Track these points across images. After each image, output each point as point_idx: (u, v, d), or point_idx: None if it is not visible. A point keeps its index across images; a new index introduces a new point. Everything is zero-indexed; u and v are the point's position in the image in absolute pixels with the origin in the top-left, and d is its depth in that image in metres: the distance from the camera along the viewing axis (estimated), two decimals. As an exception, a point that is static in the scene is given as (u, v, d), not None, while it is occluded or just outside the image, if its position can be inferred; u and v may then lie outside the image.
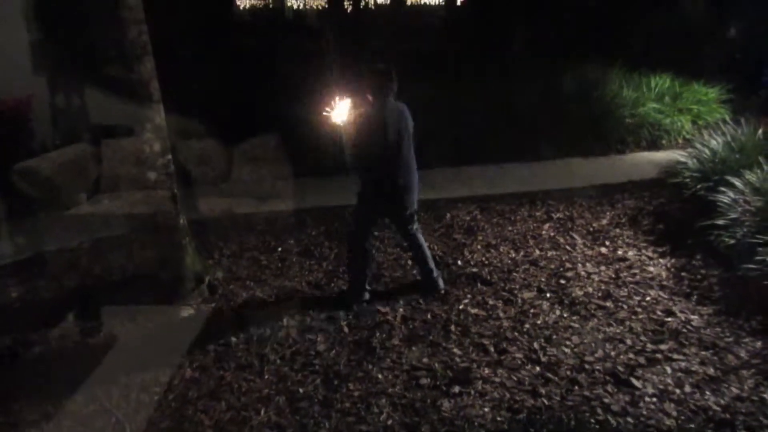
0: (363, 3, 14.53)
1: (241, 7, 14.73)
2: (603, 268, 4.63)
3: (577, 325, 3.82)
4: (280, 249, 5.20)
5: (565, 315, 3.96)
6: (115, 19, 3.79)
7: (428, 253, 4.35)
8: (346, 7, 13.63)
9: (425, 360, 3.51)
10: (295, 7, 16.29)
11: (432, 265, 4.35)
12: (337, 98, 4.02)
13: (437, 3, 17.04)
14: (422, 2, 17.37)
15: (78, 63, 6.07)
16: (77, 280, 4.72)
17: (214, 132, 6.71)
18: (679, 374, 3.29)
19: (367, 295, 4.27)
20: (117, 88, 3.96)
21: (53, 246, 5.21)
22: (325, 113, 4.06)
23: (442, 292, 4.31)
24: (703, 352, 3.48)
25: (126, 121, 4.06)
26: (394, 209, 4.15)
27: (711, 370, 3.31)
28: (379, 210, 4.23)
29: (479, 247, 5.10)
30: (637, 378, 3.25)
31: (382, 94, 3.92)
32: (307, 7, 16.47)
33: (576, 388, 3.22)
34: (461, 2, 14.74)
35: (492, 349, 3.60)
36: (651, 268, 4.59)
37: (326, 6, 15.12)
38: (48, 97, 6.98)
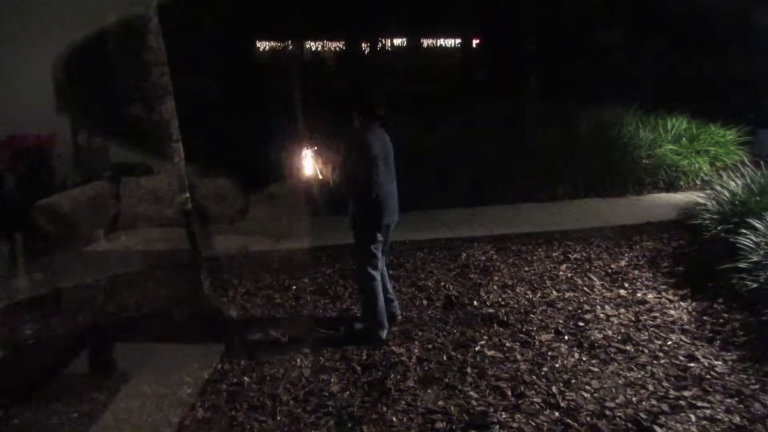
0: (380, 45, 14.79)
1: (261, 49, 15.03)
2: (622, 310, 4.55)
3: (596, 369, 3.73)
4: (294, 287, 5.18)
5: (584, 358, 3.87)
6: (138, 62, 3.88)
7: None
8: (363, 48, 13.88)
9: (441, 403, 3.43)
10: (313, 49, 16.60)
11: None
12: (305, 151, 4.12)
13: (453, 45, 17.30)
14: (438, 44, 17.65)
15: (100, 103, 6.20)
16: (92, 316, 4.72)
17: (231, 171, 6.79)
18: (704, 422, 3.17)
19: (384, 334, 4.20)
20: (138, 128, 4.04)
21: (70, 282, 5.23)
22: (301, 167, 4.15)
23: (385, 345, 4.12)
24: (728, 400, 3.37)
25: (145, 159, 4.13)
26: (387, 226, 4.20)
27: (737, 419, 3.20)
28: (383, 230, 4.15)
29: (495, 287, 5.04)
30: (661, 426, 3.15)
31: (369, 119, 4.07)
32: (326, 49, 16.78)
33: (596, 435, 3.12)
34: (476, 45, 14.97)
35: (509, 392, 3.51)
36: (672, 312, 4.50)
37: (344, 48, 15.41)
38: (70, 135, 7.13)
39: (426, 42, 17.29)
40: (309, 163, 4.15)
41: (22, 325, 4.59)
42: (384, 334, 4.20)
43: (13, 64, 6.56)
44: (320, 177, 4.19)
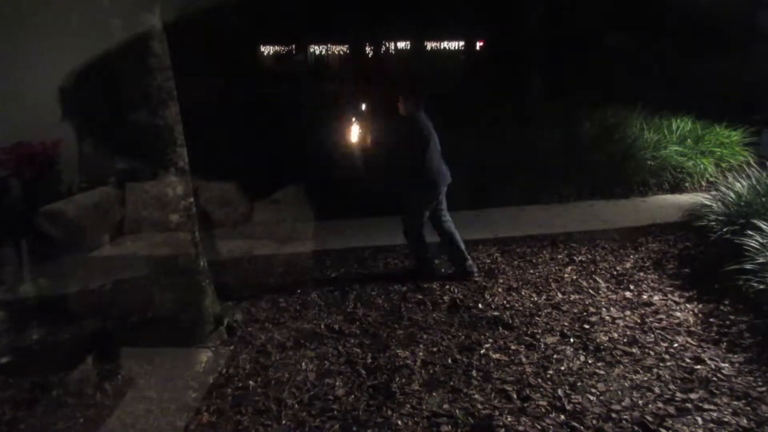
0: (383, 48, 14.81)
1: (265, 54, 15.08)
2: (628, 312, 4.53)
3: (602, 372, 3.71)
4: (299, 291, 5.18)
5: (589, 361, 3.85)
6: (142, 66, 3.88)
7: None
8: (367, 52, 13.90)
9: (446, 406, 3.42)
10: (317, 53, 16.64)
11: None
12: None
13: (456, 48, 17.30)
14: (442, 47, 17.65)
15: (104, 108, 6.23)
16: (98, 321, 4.73)
17: (235, 175, 6.80)
18: (711, 425, 3.16)
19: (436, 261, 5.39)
20: (142, 133, 4.04)
21: (75, 287, 5.25)
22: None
23: (476, 278, 5.20)
24: (735, 402, 3.35)
25: (150, 164, 4.11)
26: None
27: (744, 422, 3.18)
28: (437, 195, 5.13)
29: (500, 290, 5.03)
30: (667, 428, 3.13)
31: (417, 104, 5.05)
32: (329, 52, 16.81)
33: (603, 438, 3.11)
34: (480, 47, 14.97)
35: (515, 395, 3.50)
36: (678, 314, 4.48)
37: (347, 52, 15.44)
38: (75, 141, 7.16)
39: (429, 44, 17.29)
40: (356, 132, 5.30)
41: (28, 330, 4.61)
42: (432, 270, 5.34)
43: (18, 71, 6.59)
44: (363, 143, 5.35)
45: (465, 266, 5.24)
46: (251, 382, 3.77)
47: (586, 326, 4.32)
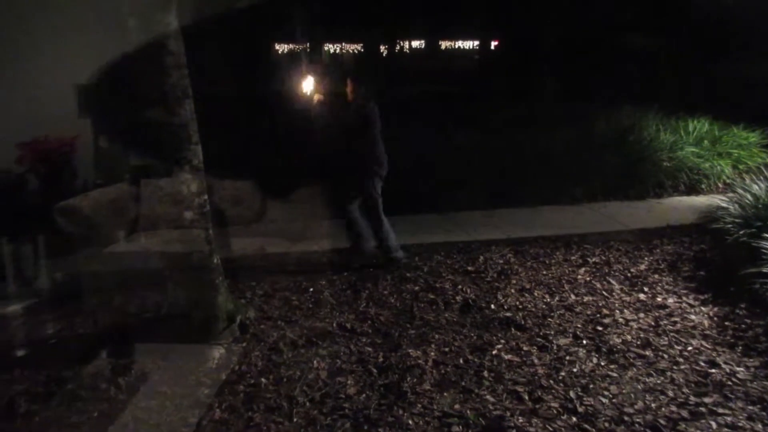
0: (398, 46, 14.81)
1: (279, 52, 15.11)
2: (642, 315, 4.50)
3: (615, 375, 3.69)
4: (311, 289, 5.19)
5: (602, 363, 3.83)
6: (158, 64, 3.91)
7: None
8: (381, 50, 13.90)
9: (457, 406, 3.42)
10: (331, 51, 16.64)
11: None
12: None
13: (471, 47, 17.24)
14: (456, 46, 17.59)
15: (120, 105, 6.27)
16: (112, 317, 4.78)
17: (249, 173, 6.82)
18: (725, 430, 3.12)
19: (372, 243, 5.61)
20: (157, 130, 4.06)
21: (90, 283, 5.29)
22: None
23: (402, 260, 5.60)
24: (750, 407, 3.31)
25: (165, 161, 4.14)
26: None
27: (759, 427, 3.14)
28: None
29: (513, 291, 5.01)
30: (680, 432, 3.11)
31: (371, 92, 5.46)
32: (344, 51, 16.80)
33: (615, 441, 3.09)
34: (494, 46, 14.93)
35: (526, 397, 3.48)
36: (692, 317, 4.44)
37: (362, 50, 15.44)
38: (91, 137, 7.22)
39: (444, 44, 17.24)
40: (309, 83, 5.55)
41: (44, 325, 4.66)
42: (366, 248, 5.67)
43: (35, 68, 6.67)
44: (315, 96, 5.54)
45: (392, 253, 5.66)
46: (263, 380, 3.78)
47: (599, 328, 4.30)
